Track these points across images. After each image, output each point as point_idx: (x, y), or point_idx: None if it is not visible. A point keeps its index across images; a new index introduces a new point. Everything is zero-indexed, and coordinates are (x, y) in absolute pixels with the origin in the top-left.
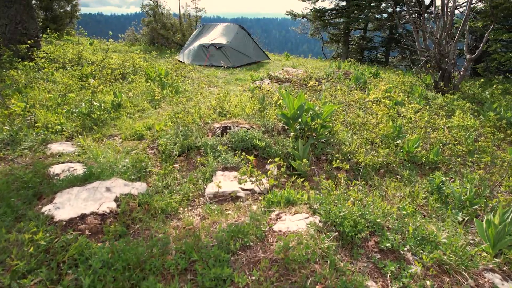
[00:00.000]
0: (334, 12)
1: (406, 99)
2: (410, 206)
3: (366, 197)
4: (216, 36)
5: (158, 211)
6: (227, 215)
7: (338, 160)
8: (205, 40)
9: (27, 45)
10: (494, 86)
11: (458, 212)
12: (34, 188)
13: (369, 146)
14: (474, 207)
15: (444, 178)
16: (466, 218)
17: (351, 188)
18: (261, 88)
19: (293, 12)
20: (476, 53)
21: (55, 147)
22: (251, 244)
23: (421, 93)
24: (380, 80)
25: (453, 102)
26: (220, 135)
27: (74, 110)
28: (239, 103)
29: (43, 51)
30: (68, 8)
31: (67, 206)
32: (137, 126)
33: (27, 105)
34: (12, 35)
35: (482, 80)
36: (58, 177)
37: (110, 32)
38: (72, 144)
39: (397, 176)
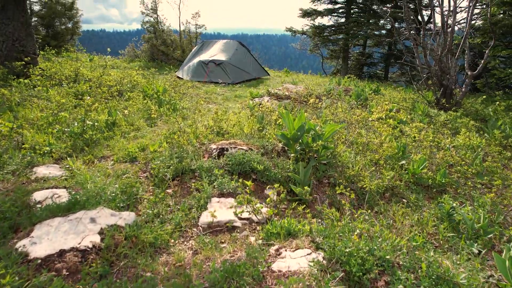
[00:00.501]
0: (333, 28)
1: (409, 116)
2: (420, 236)
3: (373, 227)
4: (215, 52)
5: (147, 245)
6: (221, 249)
7: (342, 186)
8: (205, 56)
9: (23, 62)
10: (497, 103)
11: (473, 243)
12: (11, 219)
13: (373, 168)
14: (489, 236)
15: (454, 204)
16: (482, 250)
17: (356, 216)
18: (261, 106)
19: (293, 29)
20: (477, 69)
21: (41, 170)
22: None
23: (423, 110)
24: (381, 96)
25: (457, 120)
26: (216, 157)
27: (66, 129)
28: (237, 123)
29: (40, 68)
30: (70, 25)
31: (45, 240)
32: (130, 147)
33: (15, 125)
34: (9, 52)
35: (484, 96)
36: (40, 206)
37: (108, 49)
38: (60, 167)
39: (403, 200)
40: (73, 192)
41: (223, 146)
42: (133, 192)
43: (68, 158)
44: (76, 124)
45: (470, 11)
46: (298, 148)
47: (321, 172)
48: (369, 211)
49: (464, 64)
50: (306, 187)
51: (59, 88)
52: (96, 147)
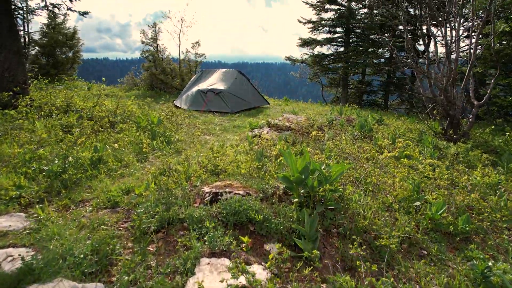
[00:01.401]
0: (332, 57)
1: (416, 148)
2: None
3: None
4: (214, 81)
5: None
6: None
7: (356, 243)
8: (204, 85)
9: (11, 93)
10: (508, 133)
11: None
12: None
13: (387, 214)
14: None
15: (489, 263)
16: None
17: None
18: (260, 139)
19: (292, 58)
20: (483, 99)
21: (2, 222)
22: None
23: (431, 142)
24: (385, 127)
25: (468, 152)
26: (209, 203)
27: (44, 168)
28: (234, 161)
29: (29, 98)
30: (70, 54)
31: None
32: (113, 189)
33: None
34: None
35: (492, 126)
36: None
37: (103, 78)
38: (26, 217)
39: (424, 251)
40: (30, 255)
41: (217, 190)
42: (107, 252)
43: (38, 205)
44: (56, 161)
45: (475, 40)
46: (302, 191)
47: (328, 220)
48: (388, 271)
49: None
50: (315, 251)
51: (48, 119)
52: (76, 189)
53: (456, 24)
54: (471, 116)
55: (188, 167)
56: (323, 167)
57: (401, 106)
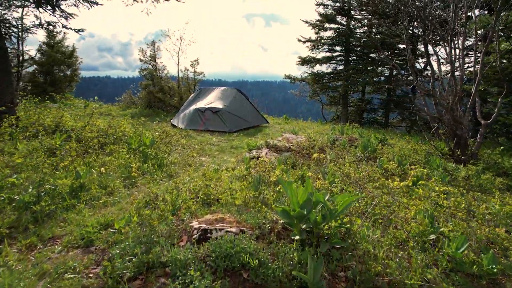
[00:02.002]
0: (332, 75)
1: (424, 170)
2: None
3: None
4: (213, 100)
5: None
6: None
7: None
8: (201, 104)
9: None
10: None
11: None
12: None
13: (401, 252)
14: None
15: None
16: None
17: None
18: (258, 161)
19: (292, 76)
20: (492, 118)
21: None
22: None
23: (439, 164)
24: (389, 148)
25: (480, 176)
26: (197, 242)
27: (15, 197)
28: (229, 188)
29: (16, 118)
30: (68, 72)
31: None
32: (90, 224)
33: None
34: None
35: (501, 147)
36: None
37: (95, 97)
38: None
39: None
40: None
41: (207, 226)
42: None
43: None
44: (30, 189)
45: (481, 58)
46: (304, 226)
47: (334, 262)
48: None
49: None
50: None
51: (33, 141)
52: (48, 223)
53: (459, 42)
54: (478, 136)
55: (177, 196)
56: (327, 198)
57: (401, 124)
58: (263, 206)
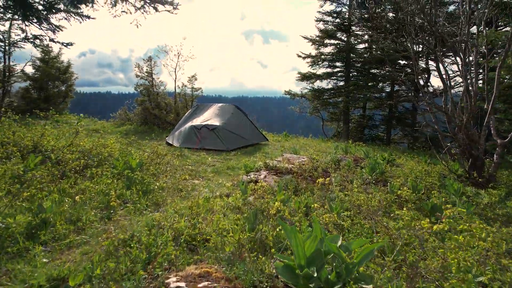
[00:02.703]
0: (332, 91)
1: (438, 194)
2: None
3: None
4: (209, 116)
5: None
6: None
7: None
8: (198, 121)
9: None
10: None
11: None
12: None
13: None
14: None
15: None
16: None
17: None
18: (256, 186)
19: (292, 92)
20: (508, 137)
21: None
22: None
23: (458, 190)
24: (399, 169)
25: (506, 203)
26: None
27: None
28: (220, 225)
29: None
30: (63, 88)
31: None
32: (39, 279)
33: None
34: None
35: None
36: None
37: (81, 114)
38: None
39: None
40: None
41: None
42: None
43: None
44: None
45: (497, 73)
46: (312, 286)
47: None
48: None
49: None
50: None
51: (4, 164)
52: None
53: (472, 57)
54: (495, 156)
55: (157, 237)
56: (339, 243)
57: (403, 141)
58: (260, 256)
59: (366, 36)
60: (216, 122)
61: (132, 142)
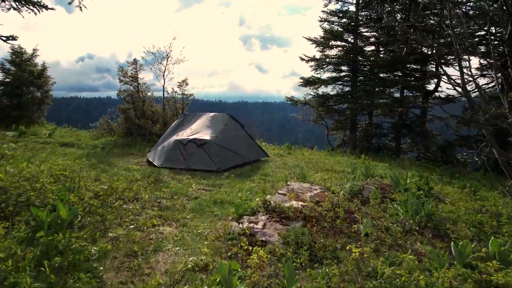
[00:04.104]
0: (338, 97)
1: None
2: None
3: None
4: (198, 128)
5: None
6: None
7: None
8: (184, 134)
9: None
10: None
11: None
12: None
13: None
14: None
15: None
16: None
17: None
18: (249, 261)
19: (294, 98)
20: None
21: None
22: None
23: None
24: (449, 207)
25: None
26: None
27: None
28: None
29: None
30: (38, 94)
31: None
32: None
33: None
34: None
35: None
36: None
37: (62, 124)
38: None
39: None
40: None
41: None
42: None
43: None
44: None
45: None
46: None
47: None
48: None
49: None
50: None
51: None
52: None
53: None
54: None
55: None
56: None
57: (412, 150)
58: None
59: (372, 39)
60: (205, 135)
61: (102, 162)
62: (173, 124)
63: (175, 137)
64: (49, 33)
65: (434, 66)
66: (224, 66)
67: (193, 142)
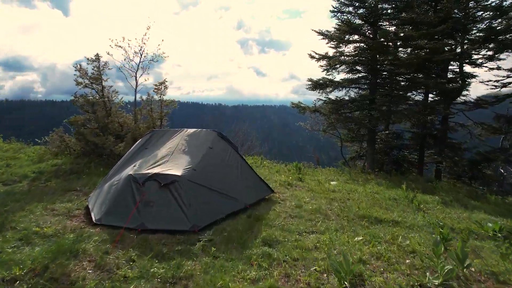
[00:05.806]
0: (355, 103)
1: None
2: None
3: None
4: (168, 154)
5: None
6: None
7: None
8: (144, 164)
9: None
10: None
11: None
12: None
13: None
14: None
15: None
16: None
17: None
18: None
19: (302, 105)
20: None
21: None
22: None
23: None
24: None
25: None
26: None
27: None
28: None
29: None
30: None
31: None
32: None
33: None
34: None
35: None
36: None
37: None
38: None
39: None
40: None
41: None
42: None
43: None
44: None
45: None
46: None
47: None
48: None
49: None
50: None
51: None
52: None
53: None
54: None
55: None
56: None
57: (434, 162)
58: None
59: (391, 35)
60: (176, 167)
61: (8, 211)
62: (134, 146)
63: (129, 169)
64: (46, 37)
65: (458, 67)
66: (223, 70)
67: (154, 180)
